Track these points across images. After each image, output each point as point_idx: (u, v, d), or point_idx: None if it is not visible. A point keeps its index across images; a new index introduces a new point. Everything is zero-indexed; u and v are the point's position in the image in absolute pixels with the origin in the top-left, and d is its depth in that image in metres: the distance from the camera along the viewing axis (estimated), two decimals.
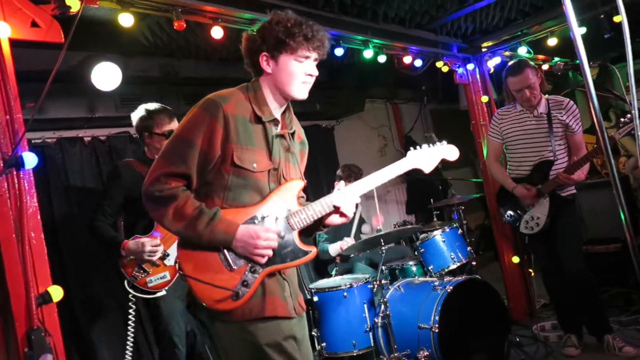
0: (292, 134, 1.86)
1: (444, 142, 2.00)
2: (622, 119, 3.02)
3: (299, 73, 1.73)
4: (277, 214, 1.72)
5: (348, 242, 3.94)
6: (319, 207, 1.76)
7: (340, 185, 1.84)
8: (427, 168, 1.94)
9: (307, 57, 1.73)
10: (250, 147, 1.69)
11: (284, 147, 1.81)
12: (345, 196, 1.78)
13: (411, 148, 1.94)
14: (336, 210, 1.78)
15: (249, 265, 1.66)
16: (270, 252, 1.67)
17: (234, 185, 1.68)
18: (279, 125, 1.79)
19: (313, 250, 1.75)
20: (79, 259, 3.40)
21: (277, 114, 1.79)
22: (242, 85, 1.79)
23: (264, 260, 1.66)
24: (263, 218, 1.69)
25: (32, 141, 3.28)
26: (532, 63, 3.27)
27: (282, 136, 1.80)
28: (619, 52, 5.04)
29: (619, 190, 1.31)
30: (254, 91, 1.75)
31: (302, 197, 1.90)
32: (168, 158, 1.64)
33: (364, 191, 1.82)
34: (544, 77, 3.29)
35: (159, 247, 2.63)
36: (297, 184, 1.79)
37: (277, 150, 1.76)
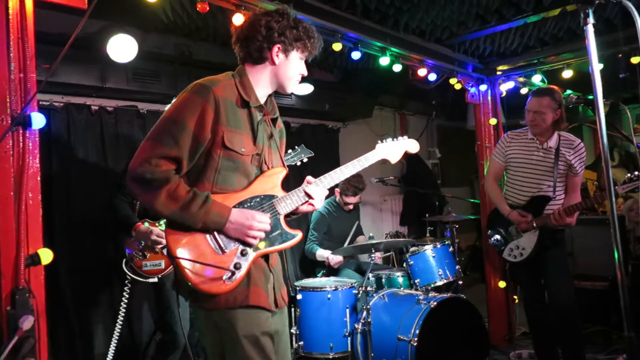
0: (275, 120, 1.91)
1: (406, 137, 2.21)
2: (629, 175, 3.01)
3: (300, 71, 1.86)
4: (263, 200, 1.76)
5: (336, 259, 3.97)
6: (301, 195, 1.84)
7: (309, 178, 1.91)
8: (393, 159, 2.14)
9: (305, 58, 1.86)
10: (238, 130, 1.71)
11: (267, 133, 1.85)
12: (318, 188, 1.86)
13: (379, 141, 2.14)
14: (308, 199, 1.85)
15: (240, 248, 1.68)
16: (262, 235, 1.71)
17: (223, 167, 1.69)
18: (263, 112, 1.83)
19: (299, 233, 1.82)
20: (70, 226, 3.39)
21: (262, 101, 1.83)
22: (226, 72, 1.81)
23: (256, 242, 1.69)
24: (252, 202, 1.73)
25: (40, 102, 3.27)
26: (561, 98, 3.21)
27: (265, 122, 1.84)
28: (631, 93, 5.06)
29: (617, 230, 1.31)
30: (239, 77, 1.78)
31: None
32: (159, 140, 1.62)
33: (336, 182, 1.92)
34: (564, 115, 3.23)
35: (164, 238, 2.72)
36: (280, 171, 1.84)
37: (261, 135, 1.80)
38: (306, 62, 1.89)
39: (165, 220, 1.69)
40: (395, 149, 2.15)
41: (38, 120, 1.68)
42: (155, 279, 2.80)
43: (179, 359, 2.95)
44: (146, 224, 2.83)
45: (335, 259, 3.98)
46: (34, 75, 1.75)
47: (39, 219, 1.75)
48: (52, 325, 2.82)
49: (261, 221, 1.69)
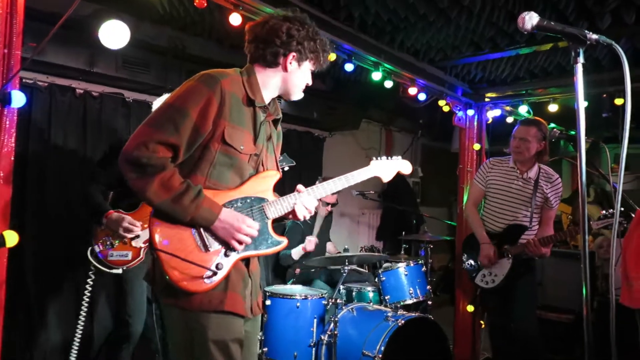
0: (276, 122, 1.90)
1: (400, 157, 2.20)
2: (604, 212, 3.07)
3: (306, 81, 1.86)
4: (253, 202, 1.73)
5: (311, 240, 3.93)
6: (292, 202, 1.81)
7: (300, 187, 1.88)
8: (386, 178, 2.14)
9: (314, 70, 1.87)
10: (240, 127, 1.69)
11: (267, 135, 1.84)
12: (310, 197, 1.84)
13: (374, 158, 2.14)
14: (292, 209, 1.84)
15: (224, 249, 1.65)
16: (249, 240, 1.68)
17: (219, 163, 1.66)
18: (266, 113, 1.82)
19: (284, 240, 1.80)
20: (41, 210, 3.31)
21: (267, 102, 1.82)
22: (234, 68, 1.78)
23: (241, 247, 1.67)
24: (242, 203, 1.70)
25: (23, 80, 3.20)
26: (547, 131, 3.27)
27: (267, 123, 1.83)
28: (612, 132, 5.18)
29: (587, 267, 1.33)
30: (247, 75, 1.77)
31: None
32: (160, 125, 1.57)
33: (327, 193, 1.91)
34: (548, 148, 3.31)
35: (137, 227, 2.68)
36: (274, 174, 1.82)
37: (262, 136, 1.79)
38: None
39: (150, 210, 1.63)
40: (388, 168, 2.15)
41: (18, 99, 1.64)
42: (120, 270, 2.72)
43: (132, 351, 2.88)
44: (119, 213, 2.74)
45: (311, 241, 3.94)
46: (19, 52, 1.71)
47: (7, 200, 1.70)
48: (12, 310, 2.73)
49: (250, 226, 1.67)
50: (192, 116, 1.58)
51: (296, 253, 4.00)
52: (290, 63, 1.77)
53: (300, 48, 1.76)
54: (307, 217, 1.87)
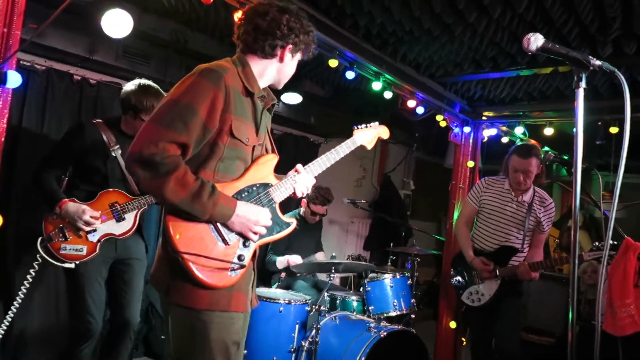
0: (272, 106, 1.90)
1: (377, 122, 2.28)
2: (596, 244, 3.08)
3: (294, 70, 1.91)
4: (259, 188, 1.75)
5: (297, 260, 3.91)
6: (292, 182, 1.86)
7: (299, 167, 1.93)
8: (369, 145, 2.23)
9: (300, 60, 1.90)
10: (244, 120, 1.69)
11: (266, 123, 1.85)
12: (304, 178, 1.89)
13: (356, 127, 2.22)
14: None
15: (242, 240, 1.67)
16: (264, 231, 1.72)
17: (227, 156, 1.65)
18: (264, 102, 1.83)
19: (293, 221, 1.84)
20: (26, 195, 3.25)
21: (263, 92, 1.83)
22: (227, 58, 1.76)
23: (257, 238, 1.70)
24: (248, 192, 1.72)
25: (20, 62, 3.16)
26: (540, 153, 3.29)
27: (266, 111, 1.84)
28: (605, 160, 5.23)
29: (575, 292, 1.33)
30: (242, 66, 1.75)
31: None
32: (168, 123, 1.53)
33: (320, 171, 1.97)
34: (545, 171, 3.32)
35: (97, 220, 2.49)
36: (272, 158, 1.83)
37: (263, 126, 1.79)
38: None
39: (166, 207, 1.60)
40: (369, 134, 2.22)
41: (14, 79, 1.61)
42: (72, 265, 2.48)
43: (94, 348, 2.65)
44: (78, 204, 2.49)
45: (295, 259, 3.92)
46: (19, 32, 1.69)
47: None
48: None
49: (266, 217, 1.71)
50: (201, 114, 1.55)
51: (280, 263, 3.99)
52: (287, 55, 1.80)
53: (297, 40, 1.79)
54: (305, 193, 1.91)
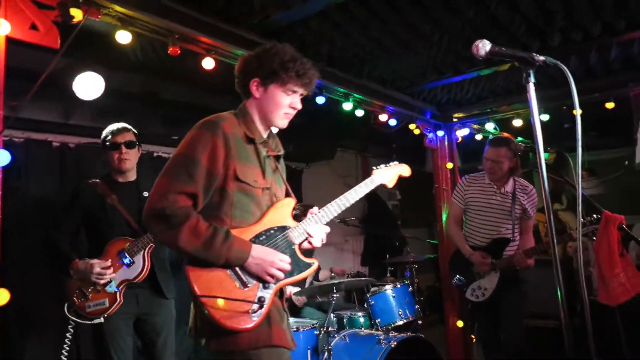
0: (278, 157, 1.94)
1: (397, 162, 2.29)
2: (582, 220, 3.18)
3: (284, 104, 1.82)
4: (277, 232, 1.77)
5: (300, 299, 3.95)
6: (311, 223, 1.84)
7: (314, 209, 1.91)
8: (390, 183, 2.20)
9: (294, 92, 1.83)
10: (249, 164, 1.74)
11: (272, 167, 1.88)
12: (318, 227, 1.86)
13: (373, 168, 2.20)
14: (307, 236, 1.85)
15: (261, 283, 1.68)
16: (282, 275, 1.71)
17: (239, 202, 1.70)
18: (267, 148, 1.86)
19: (315, 262, 1.83)
20: (22, 266, 3.25)
21: (265, 137, 1.87)
22: (230, 111, 1.84)
23: (274, 281, 1.69)
24: (266, 235, 1.73)
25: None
26: (515, 147, 3.38)
27: (270, 157, 1.87)
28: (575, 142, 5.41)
29: (559, 271, 1.42)
30: (242, 117, 1.81)
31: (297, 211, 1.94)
32: (174, 176, 1.61)
33: (333, 216, 1.92)
34: (519, 163, 3.44)
35: (109, 270, 2.56)
36: (289, 202, 1.86)
37: (269, 170, 1.83)
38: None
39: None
40: (390, 173, 2.21)
41: (4, 158, 1.67)
42: (101, 319, 2.58)
43: None
44: (85, 260, 2.58)
45: (300, 300, 3.96)
46: (1, 112, 1.75)
47: None
48: None
49: (283, 259, 1.71)
50: (203, 162, 1.63)
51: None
52: (257, 90, 1.80)
53: (259, 73, 1.77)
54: (317, 245, 1.87)
